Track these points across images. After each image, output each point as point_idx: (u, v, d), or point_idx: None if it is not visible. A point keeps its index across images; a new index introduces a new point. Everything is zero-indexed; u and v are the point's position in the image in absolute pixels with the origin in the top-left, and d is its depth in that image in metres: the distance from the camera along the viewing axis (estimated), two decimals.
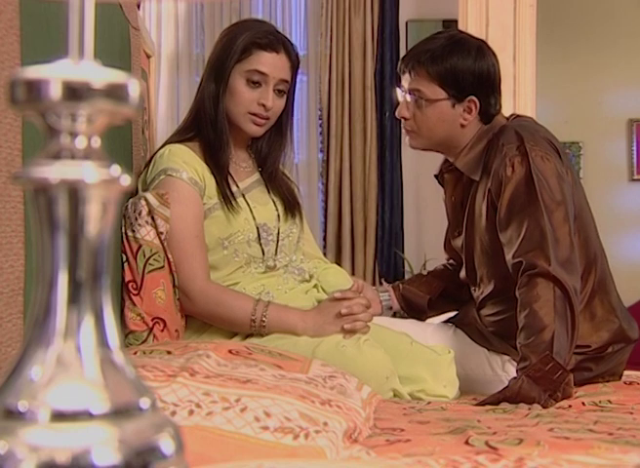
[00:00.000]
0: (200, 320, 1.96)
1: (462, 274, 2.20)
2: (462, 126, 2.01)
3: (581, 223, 1.98)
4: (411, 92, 2.01)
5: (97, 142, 0.55)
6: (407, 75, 2.02)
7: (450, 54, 1.96)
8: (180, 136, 2.03)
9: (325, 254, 4.05)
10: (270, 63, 1.98)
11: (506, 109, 2.14)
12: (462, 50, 1.98)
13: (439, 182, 2.21)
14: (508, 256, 1.89)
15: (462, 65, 1.96)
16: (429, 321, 2.38)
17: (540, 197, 1.86)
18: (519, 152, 1.89)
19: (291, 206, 2.10)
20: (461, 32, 2.22)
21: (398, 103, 2.07)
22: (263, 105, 1.98)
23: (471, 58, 1.97)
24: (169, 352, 1.44)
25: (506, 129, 1.97)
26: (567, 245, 1.85)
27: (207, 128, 1.99)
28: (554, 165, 1.90)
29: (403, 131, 2.10)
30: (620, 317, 2.01)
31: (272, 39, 1.99)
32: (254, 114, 1.99)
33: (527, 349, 1.77)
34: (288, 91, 2.04)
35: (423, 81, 1.98)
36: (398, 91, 2.06)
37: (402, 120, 2.06)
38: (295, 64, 2.04)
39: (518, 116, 2.14)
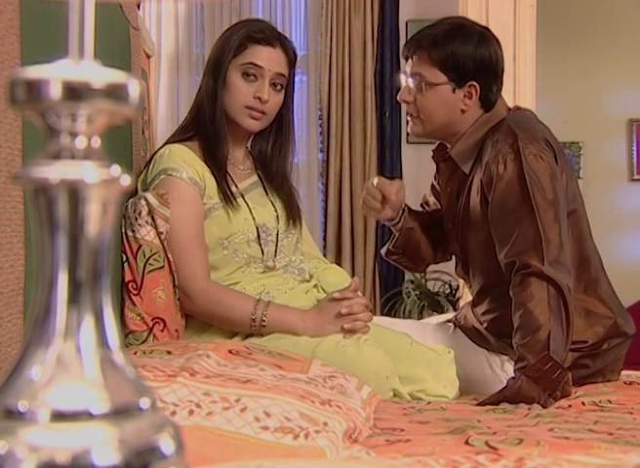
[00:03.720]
0: (200, 320, 1.96)
1: (458, 270, 2.20)
2: (463, 111, 2.01)
3: (575, 219, 1.98)
4: (412, 76, 2.02)
5: (97, 142, 0.55)
6: (409, 59, 2.03)
7: (452, 39, 1.97)
8: (180, 136, 2.04)
9: (325, 255, 4.06)
10: (266, 57, 1.99)
11: None
12: (464, 35, 1.98)
13: (433, 158, 2.20)
14: (501, 256, 1.89)
15: (464, 50, 1.97)
16: (429, 321, 2.38)
17: (532, 197, 1.86)
18: (512, 150, 1.90)
19: (292, 209, 2.10)
20: (466, 19, 2.22)
21: (399, 89, 2.08)
22: (259, 99, 1.98)
23: (473, 44, 1.98)
24: (169, 352, 1.44)
25: (503, 124, 1.97)
26: (557, 245, 1.85)
27: (205, 124, 2.00)
28: (548, 163, 1.90)
29: (407, 117, 2.10)
30: (614, 312, 2.01)
31: (268, 34, 2.01)
32: (250, 108, 1.99)
33: (523, 349, 1.77)
34: (286, 88, 2.05)
35: (425, 65, 1.99)
36: (401, 75, 2.07)
37: (404, 104, 2.07)
38: (292, 60, 2.05)
39: (519, 108, 2.14)
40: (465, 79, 1.99)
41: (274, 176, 2.11)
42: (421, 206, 2.32)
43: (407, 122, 2.12)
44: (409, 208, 2.24)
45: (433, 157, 2.20)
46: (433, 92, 2.00)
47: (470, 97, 2.00)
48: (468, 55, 1.97)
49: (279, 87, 2.02)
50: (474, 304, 2.13)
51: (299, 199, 2.18)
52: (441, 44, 1.97)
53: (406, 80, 2.05)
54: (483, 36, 2.01)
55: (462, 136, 2.03)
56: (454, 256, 2.29)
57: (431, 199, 2.29)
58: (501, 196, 1.89)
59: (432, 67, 1.99)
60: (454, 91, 2.00)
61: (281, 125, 2.09)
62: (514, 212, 1.87)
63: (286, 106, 2.07)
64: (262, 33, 2.00)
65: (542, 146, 1.92)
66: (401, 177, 4.59)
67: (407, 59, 2.05)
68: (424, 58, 1.99)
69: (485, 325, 2.09)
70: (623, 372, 2.05)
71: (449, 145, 2.08)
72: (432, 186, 2.29)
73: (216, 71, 2.01)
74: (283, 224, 2.07)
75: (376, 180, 2.15)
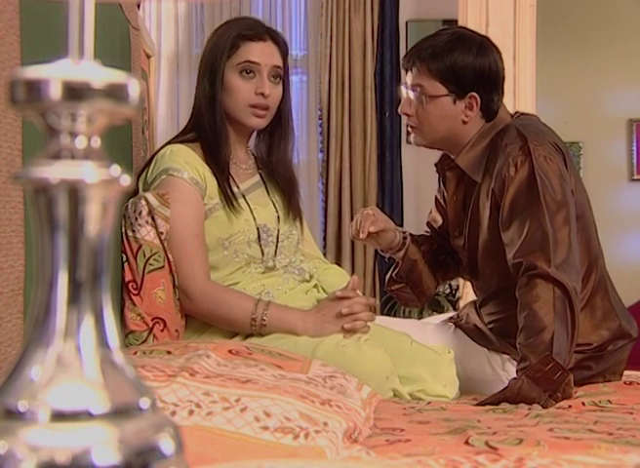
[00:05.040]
0: (200, 320, 1.96)
1: (465, 275, 2.20)
2: (464, 122, 2.00)
3: (584, 223, 1.98)
4: (413, 88, 2.01)
5: (97, 142, 0.55)
6: (409, 71, 2.02)
7: (451, 50, 1.96)
8: (182, 137, 2.04)
9: (325, 255, 4.05)
10: (260, 52, 2.00)
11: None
12: (463, 46, 1.97)
13: (437, 171, 2.20)
14: (509, 256, 1.89)
15: (463, 61, 1.96)
16: (429, 321, 2.37)
17: (542, 198, 1.86)
18: (522, 152, 1.89)
19: (292, 208, 2.10)
20: (465, 29, 2.21)
21: (400, 100, 2.07)
22: (262, 94, 1.98)
23: (472, 55, 1.97)
24: (169, 352, 1.44)
25: (509, 128, 1.97)
26: (566, 246, 1.85)
27: (205, 128, 2.00)
28: (557, 165, 1.90)
29: (407, 128, 2.10)
30: (619, 315, 2.01)
31: (258, 29, 2.01)
32: (254, 106, 1.99)
33: (527, 349, 1.77)
34: (283, 80, 2.05)
35: (425, 77, 1.99)
36: (402, 87, 2.06)
37: (405, 117, 2.07)
38: (284, 51, 2.06)
39: (522, 114, 2.13)
40: (466, 90, 1.98)
41: (275, 168, 2.10)
42: (428, 224, 2.32)
43: (407, 132, 2.11)
44: (412, 236, 2.24)
45: (437, 170, 2.19)
46: (434, 104, 1.99)
47: (471, 108, 1.99)
48: (468, 66, 1.96)
49: (277, 79, 2.03)
50: (480, 305, 2.13)
51: (300, 199, 2.18)
52: (440, 56, 1.96)
53: (406, 92, 2.04)
54: (482, 46, 2.00)
55: (467, 146, 2.02)
56: (457, 263, 2.28)
57: (437, 216, 2.29)
58: (512, 198, 1.89)
59: (432, 79, 1.98)
60: (454, 102, 1.99)
61: (280, 118, 2.09)
62: (523, 213, 1.87)
63: (284, 99, 2.07)
64: (252, 30, 2.01)
65: (551, 149, 1.92)
66: (401, 177, 4.60)
67: (407, 71, 2.03)
68: (424, 71, 1.98)
69: (490, 326, 2.09)
70: (624, 373, 2.05)
71: (453, 155, 2.08)
72: (436, 200, 2.28)
73: (212, 75, 2.00)
74: (284, 225, 2.07)
75: (369, 210, 2.14)
